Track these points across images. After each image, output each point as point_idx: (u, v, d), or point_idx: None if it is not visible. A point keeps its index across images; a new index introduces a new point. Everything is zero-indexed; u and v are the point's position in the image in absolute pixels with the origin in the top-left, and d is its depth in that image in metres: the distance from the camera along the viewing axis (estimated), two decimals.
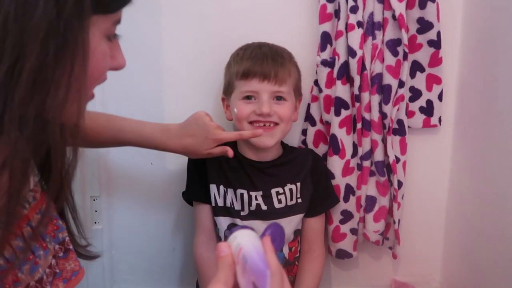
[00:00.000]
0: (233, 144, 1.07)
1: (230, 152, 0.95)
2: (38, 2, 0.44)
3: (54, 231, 0.57)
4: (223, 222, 1.04)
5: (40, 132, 0.47)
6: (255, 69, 0.97)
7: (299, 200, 1.06)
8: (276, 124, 1.00)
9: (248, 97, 0.99)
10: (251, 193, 1.03)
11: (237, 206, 1.04)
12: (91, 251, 0.66)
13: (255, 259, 0.50)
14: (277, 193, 1.04)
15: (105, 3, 0.50)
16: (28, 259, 0.51)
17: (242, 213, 1.04)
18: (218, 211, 1.04)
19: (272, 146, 1.03)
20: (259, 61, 0.98)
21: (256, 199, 1.03)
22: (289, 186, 1.05)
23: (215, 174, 1.04)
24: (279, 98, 1.00)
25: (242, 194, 1.03)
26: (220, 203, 1.04)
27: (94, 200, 1.19)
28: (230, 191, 1.04)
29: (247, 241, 0.53)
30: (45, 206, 0.54)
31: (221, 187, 1.04)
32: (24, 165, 0.47)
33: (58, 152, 0.49)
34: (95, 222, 1.20)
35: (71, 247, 0.60)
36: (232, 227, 1.04)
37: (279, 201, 1.04)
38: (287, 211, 1.05)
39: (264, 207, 1.04)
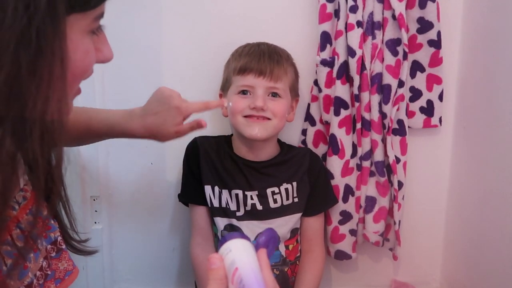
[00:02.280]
0: (228, 145, 1.08)
1: (202, 122, 0.83)
2: (6, 11, 0.40)
3: (46, 231, 0.56)
4: (220, 222, 1.05)
5: (22, 136, 0.45)
6: (251, 65, 0.99)
7: (296, 200, 1.06)
8: (269, 119, 1.00)
9: (243, 92, 1.00)
10: (246, 193, 1.04)
11: (233, 207, 1.04)
12: (88, 247, 0.65)
13: (253, 286, 0.50)
14: (273, 193, 1.05)
15: (79, 1, 0.46)
16: (17, 264, 0.50)
17: (238, 214, 1.04)
18: (215, 211, 1.05)
19: (265, 142, 1.03)
20: (256, 58, 1.00)
21: (252, 198, 1.04)
22: (285, 185, 1.05)
23: (209, 175, 1.05)
24: (274, 94, 1.01)
25: (237, 195, 1.04)
26: (216, 204, 1.05)
27: (94, 200, 1.19)
28: (225, 192, 1.04)
29: (244, 260, 0.52)
30: (35, 207, 0.53)
31: (216, 188, 1.04)
32: (8, 169, 0.45)
33: (37, 155, 0.47)
34: (95, 222, 1.20)
35: (63, 246, 0.59)
36: (228, 228, 1.05)
37: (275, 201, 1.05)
38: (283, 211, 1.05)
39: (259, 207, 1.04)
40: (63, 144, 0.52)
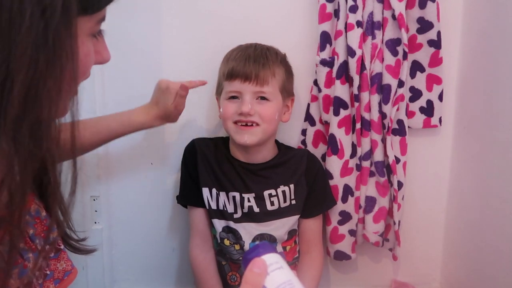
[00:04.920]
0: (225, 147, 1.08)
1: (183, 86, 0.98)
2: (24, 15, 0.41)
3: (44, 231, 0.57)
4: (218, 224, 1.05)
5: (35, 145, 0.46)
6: (237, 70, 0.99)
7: (293, 202, 1.06)
8: (257, 124, 1.00)
9: (233, 97, 1.01)
10: (243, 195, 1.04)
11: (230, 209, 1.04)
12: (86, 245, 0.65)
13: None
14: (270, 195, 1.05)
15: (89, 4, 0.48)
16: (17, 263, 0.50)
17: (235, 216, 1.04)
18: (213, 214, 1.05)
19: (261, 145, 1.03)
20: (242, 63, 0.99)
21: (249, 201, 1.04)
22: (282, 188, 1.05)
23: (206, 178, 1.05)
24: (262, 98, 1.00)
25: (234, 197, 1.04)
26: (214, 206, 1.05)
27: (94, 200, 1.19)
28: (222, 194, 1.04)
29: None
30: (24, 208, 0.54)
31: (214, 190, 1.05)
32: (23, 177, 0.45)
33: (54, 154, 0.48)
34: (95, 222, 1.20)
35: (62, 247, 0.59)
36: (226, 230, 1.05)
37: (272, 203, 1.05)
38: (281, 213, 1.05)
39: (256, 209, 1.04)
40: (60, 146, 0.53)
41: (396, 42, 1.08)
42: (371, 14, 1.06)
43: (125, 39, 1.11)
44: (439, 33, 1.08)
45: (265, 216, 1.04)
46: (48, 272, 0.56)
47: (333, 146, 1.10)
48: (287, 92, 1.06)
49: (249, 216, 1.04)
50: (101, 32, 0.55)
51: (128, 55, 1.12)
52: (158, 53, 1.14)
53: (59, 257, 0.59)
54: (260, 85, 0.99)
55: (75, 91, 0.52)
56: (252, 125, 1.00)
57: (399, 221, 1.14)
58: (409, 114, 1.14)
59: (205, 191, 1.05)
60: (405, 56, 1.07)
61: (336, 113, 1.08)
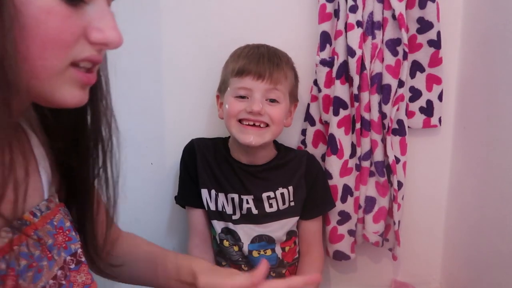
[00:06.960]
0: (225, 148, 1.08)
1: None
2: None
3: (66, 242, 0.55)
4: (217, 225, 1.05)
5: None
6: (250, 67, 0.96)
7: (292, 204, 1.06)
8: (267, 125, 0.98)
9: (241, 97, 0.97)
10: (242, 196, 1.03)
11: (229, 210, 1.04)
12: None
13: None
14: (268, 198, 1.04)
15: None
16: (31, 266, 0.49)
17: (233, 217, 1.04)
18: (212, 215, 1.05)
19: (261, 146, 1.00)
20: (255, 60, 0.96)
21: (247, 202, 1.03)
22: (280, 190, 1.04)
23: (206, 179, 1.05)
24: (272, 100, 0.97)
25: (233, 198, 1.04)
26: (212, 207, 1.05)
27: None
28: (221, 195, 1.04)
29: None
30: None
31: (213, 191, 1.04)
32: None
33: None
34: None
35: (83, 259, 0.58)
36: (225, 231, 1.05)
37: (270, 205, 1.04)
38: (279, 215, 1.05)
39: (255, 211, 1.03)
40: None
41: (396, 42, 1.08)
42: (371, 14, 1.06)
43: (125, 39, 1.10)
44: (439, 33, 1.08)
45: (263, 218, 1.04)
46: (64, 283, 0.55)
47: (333, 146, 1.10)
48: (294, 96, 1.04)
49: (248, 218, 1.04)
50: (104, 3, 0.46)
51: (128, 54, 1.12)
52: (158, 52, 1.14)
53: (79, 269, 0.57)
54: (273, 84, 0.95)
55: (48, 62, 0.44)
56: (260, 125, 0.97)
57: (399, 221, 1.14)
58: (409, 114, 1.14)
59: (204, 192, 1.05)
60: (405, 56, 1.07)
61: (336, 113, 1.08)
